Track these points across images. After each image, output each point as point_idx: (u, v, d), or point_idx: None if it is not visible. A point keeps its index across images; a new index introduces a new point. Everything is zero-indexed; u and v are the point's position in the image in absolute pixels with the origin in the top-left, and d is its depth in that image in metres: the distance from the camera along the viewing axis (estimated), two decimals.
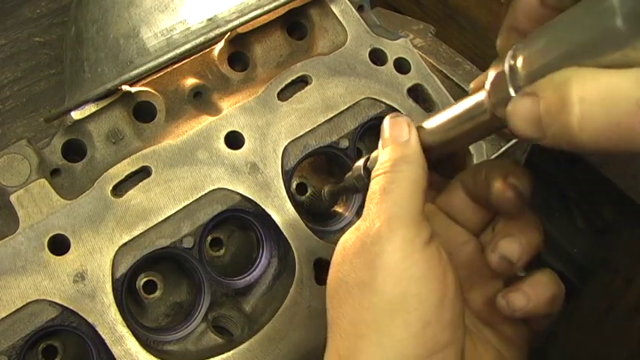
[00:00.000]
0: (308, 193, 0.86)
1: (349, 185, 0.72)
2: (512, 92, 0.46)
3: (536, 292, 0.58)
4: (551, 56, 0.43)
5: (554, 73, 0.41)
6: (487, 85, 0.49)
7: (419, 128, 0.60)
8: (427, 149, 0.58)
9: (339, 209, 0.87)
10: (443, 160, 0.61)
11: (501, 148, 1.00)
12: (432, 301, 0.52)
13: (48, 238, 0.71)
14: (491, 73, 0.49)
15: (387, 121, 0.61)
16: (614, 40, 0.38)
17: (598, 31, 0.39)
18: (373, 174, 0.58)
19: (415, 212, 0.54)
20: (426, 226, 0.54)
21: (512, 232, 0.58)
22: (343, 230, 0.85)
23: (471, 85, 0.59)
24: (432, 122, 0.59)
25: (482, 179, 0.58)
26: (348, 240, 0.57)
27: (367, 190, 0.62)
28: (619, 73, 0.38)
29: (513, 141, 1.00)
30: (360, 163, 0.68)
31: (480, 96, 0.51)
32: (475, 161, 0.88)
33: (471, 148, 0.88)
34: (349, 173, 0.71)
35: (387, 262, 0.52)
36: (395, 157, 0.57)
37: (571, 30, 0.42)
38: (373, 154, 0.65)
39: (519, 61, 0.45)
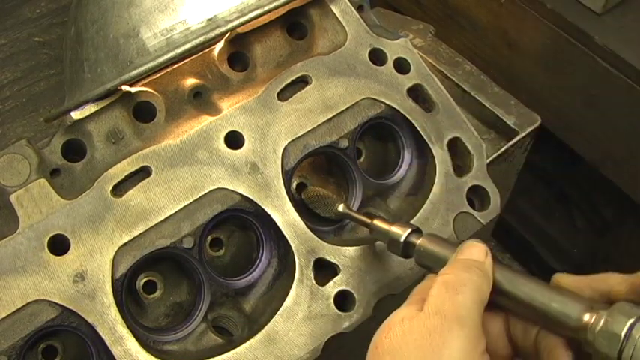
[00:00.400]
0: (315, 194, 0.85)
1: (376, 233, 0.74)
2: (616, 354, 0.53)
3: None
4: None
5: None
6: (598, 322, 0.55)
7: (498, 264, 0.62)
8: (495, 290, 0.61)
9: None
10: None
11: (501, 148, 1.00)
12: None
13: (48, 238, 0.71)
14: (606, 323, 0.54)
15: (466, 243, 0.63)
16: None
17: None
18: (443, 271, 0.61)
19: (479, 321, 0.57)
20: (484, 338, 0.57)
21: None
22: (343, 230, 0.85)
23: (558, 278, 0.62)
24: (514, 277, 0.61)
25: (531, 339, 0.61)
26: (408, 317, 0.58)
27: (394, 252, 0.70)
28: None
29: (513, 141, 1.01)
30: (405, 231, 0.70)
31: (585, 316, 0.56)
32: (475, 161, 0.88)
33: (470, 147, 0.88)
34: (382, 224, 0.73)
35: (452, 355, 0.54)
36: (468, 265, 0.60)
37: None
38: (425, 242, 0.68)
39: (638, 343, 0.52)
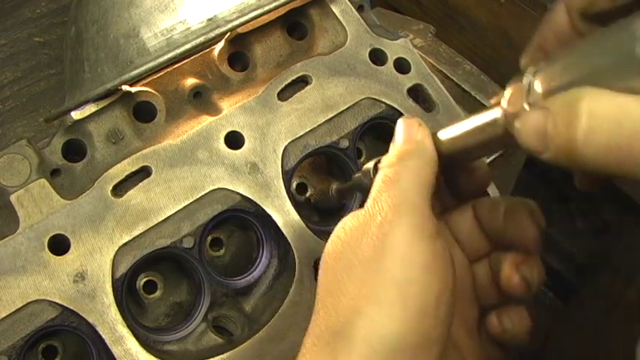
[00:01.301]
0: (314, 191, 0.85)
1: (357, 184, 0.72)
2: (526, 108, 0.47)
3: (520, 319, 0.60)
4: (569, 77, 0.44)
5: (569, 91, 0.42)
6: (503, 101, 0.50)
7: (432, 134, 0.60)
8: (440, 155, 0.59)
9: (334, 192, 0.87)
10: (456, 182, 0.62)
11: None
12: (433, 293, 0.52)
13: (48, 238, 0.71)
14: (509, 90, 0.50)
15: (399, 123, 0.61)
16: (632, 67, 0.39)
17: (618, 56, 0.40)
18: (380, 166, 0.59)
19: (421, 203, 0.55)
20: (432, 221, 0.55)
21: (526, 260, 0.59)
22: None
23: (492, 101, 0.59)
24: (446, 131, 0.59)
25: (499, 217, 0.60)
26: (350, 221, 0.58)
27: None
28: (632, 97, 0.39)
29: None
30: (371, 164, 0.68)
31: (496, 112, 0.52)
32: None
33: None
34: (358, 173, 0.71)
35: (395, 244, 0.53)
36: (401, 152, 0.58)
37: (592, 53, 0.43)
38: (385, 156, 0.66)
39: (538, 79, 0.46)
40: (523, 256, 0.59)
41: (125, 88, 0.78)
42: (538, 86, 0.46)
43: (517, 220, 0.59)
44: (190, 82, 0.83)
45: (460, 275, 0.61)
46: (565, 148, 0.42)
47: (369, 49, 0.89)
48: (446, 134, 0.59)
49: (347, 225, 0.58)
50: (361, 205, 0.84)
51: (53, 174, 0.75)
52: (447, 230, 0.63)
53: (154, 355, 0.71)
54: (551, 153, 0.43)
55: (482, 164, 0.63)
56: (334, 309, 0.54)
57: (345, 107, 0.85)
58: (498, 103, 0.53)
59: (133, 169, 0.76)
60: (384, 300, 0.52)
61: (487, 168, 0.64)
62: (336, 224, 0.84)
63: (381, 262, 0.53)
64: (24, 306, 0.68)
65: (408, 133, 0.60)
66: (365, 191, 0.70)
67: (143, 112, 0.80)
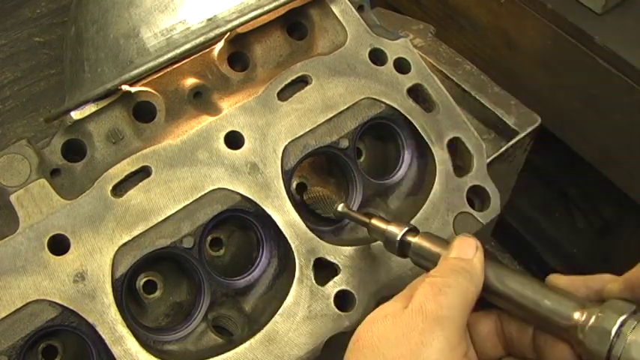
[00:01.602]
0: (310, 194, 0.85)
1: (373, 232, 0.74)
2: (605, 352, 0.53)
3: None
4: None
5: None
6: (588, 319, 0.55)
7: (490, 263, 0.62)
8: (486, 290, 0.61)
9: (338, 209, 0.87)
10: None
11: (501, 148, 1.00)
12: None
13: (48, 238, 0.71)
14: (597, 320, 0.54)
15: (458, 238, 0.63)
16: None
17: None
18: (431, 273, 0.61)
19: (461, 323, 0.57)
20: (466, 341, 0.57)
21: None
22: (343, 230, 0.85)
23: (553, 279, 0.62)
24: (504, 272, 0.61)
25: (527, 337, 0.61)
26: (391, 314, 0.58)
27: (390, 251, 0.70)
28: None
29: (513, 141, 1.00)
30: (401, 230, 0.70)
31: (576, 314, 0.56)
32: (475, 161, 0.88)
33: (470, 147, 0.88)
34: (379, 222, 0.73)
35: (430, 356, 0.54)
36: (455, 268, 0.60)
37: None
38: (420, 241, 0.68)
39: (629, 339, 0.52)
40: None
41: (125, 88, 0.78)
42: (625, 349, 0.51)
43: (553, 346, 0.59)
44: (190, 82, 0.83)
45: None
46: None
47: (369, 49, 0.89)
48: (505, 276, 0.61)
49: (387, 319, 0.58)
50: (355, 194, 0.84)
51: (53, 174, 0.75)
52: (467, 332, 0.64)
53: (154, 355, 0.71)
54: None
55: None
56: None
57: (345, 107, 0.85)
58: (570, 300, 0.57)
59: (133, 169, 0.76)
60: None
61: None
62: (335, 224, 0.85)
63: None
64: (24, 306, 0.68)
65: (463, 250, 0.62)
66: (382, 242, 0.73)
67: (143, 112, 0.80)
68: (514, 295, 0.59)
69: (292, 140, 0.81)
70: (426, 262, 0.66)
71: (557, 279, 0.61)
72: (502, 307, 0.62)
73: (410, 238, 0.69)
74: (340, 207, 0.80)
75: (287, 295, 0.76)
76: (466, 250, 0.62)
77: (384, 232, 0.71)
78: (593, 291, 0.59)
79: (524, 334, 0.61)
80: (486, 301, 0.61)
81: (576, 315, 0.55)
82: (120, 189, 0.75)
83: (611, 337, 0.52)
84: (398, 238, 0.69)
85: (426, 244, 0.67)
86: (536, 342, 0.60)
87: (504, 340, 0.63)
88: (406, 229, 0.70)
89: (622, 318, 0.53)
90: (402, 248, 0.69)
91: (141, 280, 0.78)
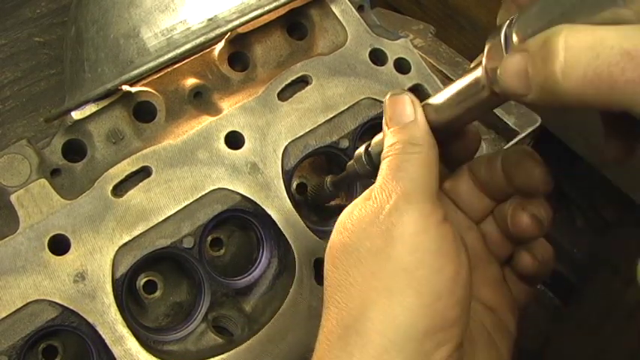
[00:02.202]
0: (309, 188, 0.85)
1: (351, 173, 0.71)
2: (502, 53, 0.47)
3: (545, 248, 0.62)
4: (545, 20, 0.44)
5: (546, 30, 0.42)
6: (483, 59, 0.50)
7: (422, 106, 0.59)
8: (433, 128, 0.58)
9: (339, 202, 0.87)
10: (447, 148, 0.61)
11: (501, 147, 1.00)
12: (446, 275, 0.52)
13: (48, 238, 0.71)
14: (487, 46, 0.49)
15: (388, 100, 0.60)
16: None
17: None
18: (383, 156, 0.58)
19: (430, 190, 0.54)
20: (440, 206, 0.54)
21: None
22: None
23: (472, 65, 0.58)
24: (432, 102, 0.58)
25: (497, 170, 0.59)
26: (356, 210, 0.56)
27: (369, 175, 0.64)
28: (607, 27, 0.39)
29: (513, 141, 1.01)
30: (362, 149, 0.67)
31: (477, 72, 0.52)
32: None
33: None
34: (350, 161, 0.70)
35: (404, 232, 0.52)
36: (404, 139, 0.57)
37: None
38: (375, 139, 0.65)
39: (514, 30, 0.47)
40: (525, 197, 0.59)
41: (125, 88, 0.78)
42: (515, 37, 0.46)
43: (519, 166, 0.58)
44: (190, 82, 0.83)
45: (472, 242, 0.61)
46: (546, 85, 0.42)
47: (369, 49, 0.89)
48: (433, 105, 0.58)
49: (353, 215, 0.56)
50: (355, 192, 0.84)
51: (53, 174, 0.75)
52: (446, 199, 0.63)
53: (154, 355, 0.71)
54: (534, 93, 0.43)
55: (470, 127, 0.62)
56: (345, 303, 0.54)
57: (345, 107, 0.85)
58: (479, 65, 0.52)
59: (133, 169, 0.76)
60: (394, 289, 0.51)
61: (476, 130, 0.63)
62: (334, 224, 0.85)
63: (391, 252, 0.52)
64: (24, 306, 0.68)
65: (401, 112, 0.58)
66: (360, 177, 0.70)
67: (143, 112, 0.80)
68: (448, 113, 0.56)
69: (292, 140, 0.82)
70: None
71: (473, 63, 0.59)
72: (449, 132, 0.59)
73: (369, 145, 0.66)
74: (329, 181, 0.79)
75: (287, 295, 0.76)
76: (404, 111, 0.58)
77: (354, 160, 0.68)
78: None
79: (494, 171, 0.60)
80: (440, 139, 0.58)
81: (479, 72, 0.51)
82: (120, 189, 0.75)
83: (502, 44, 0.47)
84: (362, 152, 0.67)
85: (378, 136, 0.64)
86: (506, 172, 0.59)
87: (484, 189, 0.62)
88: (366, 143, 0.67)
89: (506, 23, 0.48)
90: (371, 160, 0.66)
91: (141, 280, 0.78)
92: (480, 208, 0.63)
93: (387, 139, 0.58)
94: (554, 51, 0.41)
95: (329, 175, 0.81)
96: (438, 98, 0.58)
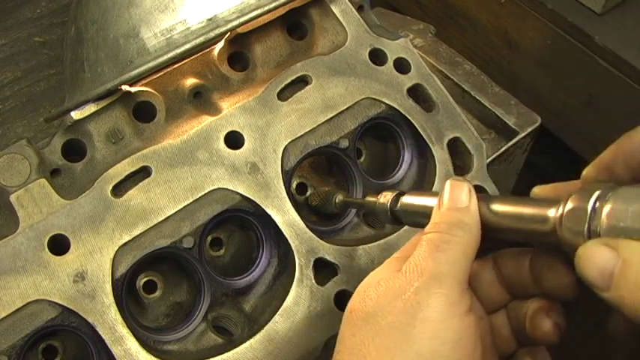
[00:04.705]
0: (314, 195, 0.85)
1: (371, 208, 0.71)
2: (585, 232, 0.48)
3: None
4: None
5: None
6: (564, 209, 0.50)
7: (480, 199, 0.59)
8: (483, 225, 0.58)
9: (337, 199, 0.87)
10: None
11: (501, 148, 1.00)
12: None
13: (48, 238, 0.71)
14: (572, 203, 0.49)
15: (448, 183, 0.59)
16: None
17: None
18: (426, 230, 0.57)
19: (462, 278, 0.54)
20: (468, 296, 0.54)
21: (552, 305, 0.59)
22: (343, 230, 0.85)
23: (535, 190, 0.59)
24: (494, 203, 0.58)
25: (524, 269, 0.58)
26: (383, 280, 0.55)
27: (388, 222, 0.65)
28: None
29: (513, 141, 1.01)
30: (389, 196, 0.67)
31: (551, 211, 0.51)
32: (475, 161, 0.88)
33: (470, 147, 0.88)
34: (372, 198, 0.70)
35: (428, 315, 0.51)
36: (452, 222, 0.56)
37: None
38: (407, 199, 0.65)
39: (606, 209, 0.47)
40: (549, 302, 0.58)
41: (125, 88, 0.78)
42: (605, 219, 0.47)
43: (550, 270, 0.57)
44: (190, 82, 0.83)
45: (483, 332, 0.59)
46: (629, 305, 0.43)
47: (369, 49, 0.89)
48: (491, 205, 0.58)
49: (380, 285, 0.55)
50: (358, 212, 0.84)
51: (53, 174, 0.75)
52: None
53: (154, 355, 0.71)
54: (610, 297, 0.45)
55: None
56: None
57: (345, 107, 0.85)
58: (547, 195, 0.54)
59: (133, 169, 0.76)
60: None
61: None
62: (334, 224, 0.85)
63: (410, 332, 0.51)
64: (24, 306, 0.68)
65: (457, 197, 0.58)
66: (379, 218, 0.70)
67: (143, 112, 0.80)
68: (501, 221, 0.56)
69: (292, 140, 0.81)
70: (421, 220, 0.62)
71: (541, 189, 0.59)
72: (494, 236, 0.58)
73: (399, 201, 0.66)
74: (339, 198, 0.80)
75: (287, 295, 0.76)
76: (459, 197, 0.57)
77: (377, 204, 0.69)
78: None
79: (521, 268, 0.59)
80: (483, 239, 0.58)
81: (552, 212, 0.51)
82: (120, 189, 0.75)
83: (588, 213, 0.47)
84: (388, 205, 0.67)
85: (414, 200, 0.64)
86: (534, 272, 0.58)
87: (505, 283, 0.60)
88: (396, 193, 0.67)
89: (597, 193, 0.48)
90: (395, 214, 0.67)
91: (141, 280, 0.78)
92: (496, 301, 0.61)
93: (435, 216, 0.58)
94: None
95: (339, 191, 0.81)
96: (500, 202, 0.57)
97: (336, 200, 0.81)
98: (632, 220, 0.45)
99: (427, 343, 0.51)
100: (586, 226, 0.48)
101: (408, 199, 0.65)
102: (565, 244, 0.50)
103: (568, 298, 0.57)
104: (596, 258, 0.46)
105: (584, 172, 0.56)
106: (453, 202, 0.58)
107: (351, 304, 0.57)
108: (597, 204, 0.47)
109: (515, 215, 0.55)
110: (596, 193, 0.48)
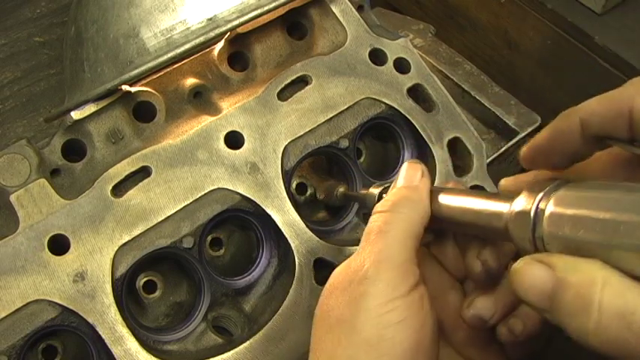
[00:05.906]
0: (320, 189, 0.86)
1: (362, 201, 0.72)
2: (530, 238, 0.44)
3: (530, 316, 0.57)
4: (585, 236, 0.40)
5: (581, 262, 0.40)
6: (514, 207, 0.47)
7: (435, 190, 0.59)
8: (432, 214, 0.58)
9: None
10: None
11: (501, 148, 1.00)
12: (407, 347, 0.52)
13: (48, 238, 0.71)
14: (519, 201, 0.46)
15: (405, 165, 0.61)
16: None
17: None
18: (374, 210, 0.59)
19: (405, 257, 0.54)
20: (413, 273, 0.54)
21: (487, 290, 0.58)
22: (343, 230, 0.85)
23: (502, 182, 0.59)
24: (449, 195, 0.57)
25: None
26: (338, 274, 0.57)
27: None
28: None
29: (513, 141, 1.01)
30: (377, 191, 0.68)
31: (503, 207, 0.49)
32: (475, 161, 0.88)
33: (470, 147, 0.88)
34: (365, 191, 0.72)
35: (369, 305, 0.52)
36: (397, 198, 0.58)
37: (618, 219, 0.38)
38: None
39: (547, 213, 0.43)
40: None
41: (125, 88, 0.78)
42: (546, 225, 0.42)
43: (466, 256, 0.58)
44: (190, 82, 0.83)
45: (455, 302, 0.61)
46: (571, 327, 0.40)
47: (369, 49, 0.89)
48: (446, 198, 0.57)
49: (336, 278, 0.57)
50: (359, 212, 0.85)
51: (53, 174, 0.75)
52: (433, 259, 0.63)
53: (154, 355, 0.71)
54: (551, 318, 0.42)
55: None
56: None
57: (345, 107, 0.85)
58: (507, 189, 0.52)
59: (133, 169, 0.76)
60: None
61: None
62: (335, 224, 0.85)
63: (355, 323, 0.52)
64: (24, 306, 0.68)
65: (409, 177, 0.59)
66: (368, 211, 0.71)
67: (143, 112, 0.80)
68: (458, 214, 0.55)
69: (292, 140, 0.81)
70: None
71: (506, 181, 0.58)
72: (451, 229, 0.59)
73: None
74: (340, 191, 0.81)
75: (287, 295, 0.76)
76: (412, 177, 0.59)
77: (367, 194, 0.70)
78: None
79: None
80: (437, 228, 0.58)
81: (506, 209, 0.48)
82: (120, 189, 0.75)
83: (532, 218, 0.43)
84: (377, 192, 0.68)
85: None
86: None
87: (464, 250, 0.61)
88: (388, 183, 0.67)
89: (541, 194, 0.44)
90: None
91: (141, 280, 0.78)
92: (462, 268, 0.61)
93: (389, 192, 0.60)
94: (589, 306, 0.39)
95: (341, 184, 0.82)
96: (452, 196, 0.57)
97: (337, 193, 0.82)
98: (570, 228, 0.41)
99: (372, 331, 0.52)
100: (530, 231, 0.44)
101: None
102: (517, 246, 0.47)
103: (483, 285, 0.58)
104: (530, 278, 0.42)
105: (520, 156, 0.55)
106: (405, 182, 0.59)
107: (319, 301, 0.59)
108: (540, 207, 0.43)
109: (470, 209, 0.54)
110: (540, 194, 0.44)
